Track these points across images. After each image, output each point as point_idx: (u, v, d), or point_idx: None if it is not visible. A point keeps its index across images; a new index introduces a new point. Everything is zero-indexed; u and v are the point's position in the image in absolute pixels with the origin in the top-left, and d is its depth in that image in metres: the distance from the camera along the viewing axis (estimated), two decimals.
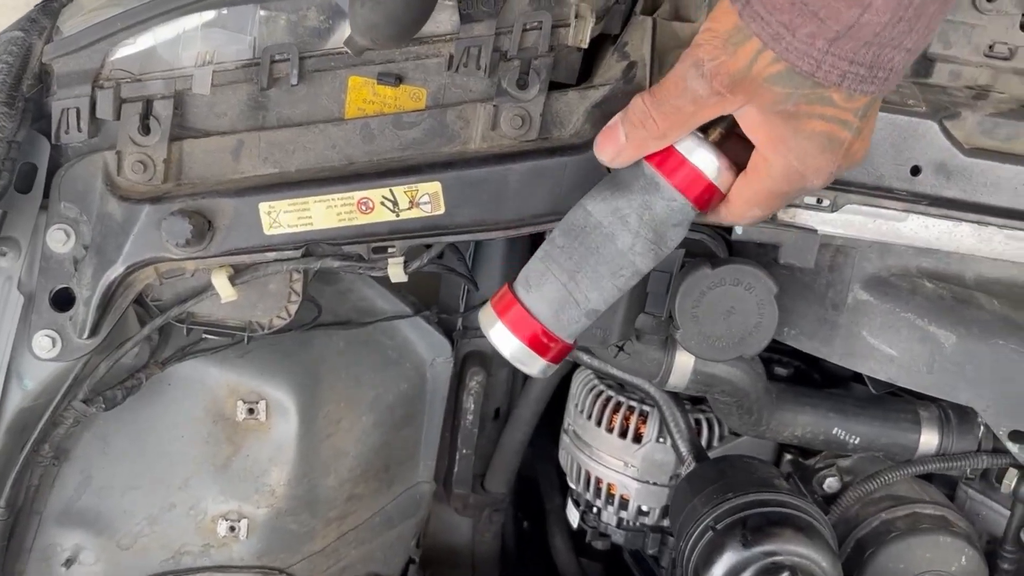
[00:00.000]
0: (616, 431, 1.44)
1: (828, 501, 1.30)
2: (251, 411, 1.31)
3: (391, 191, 1.09)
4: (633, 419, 1.44)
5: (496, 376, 1.62)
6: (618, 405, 1.44)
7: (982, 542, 1.30)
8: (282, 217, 1.10)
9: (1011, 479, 1.24)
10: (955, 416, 1.28)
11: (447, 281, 1.59)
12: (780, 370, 1.42)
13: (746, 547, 1.12)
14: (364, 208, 1.09)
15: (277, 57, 1.09)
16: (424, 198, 1.09)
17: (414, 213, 1.09)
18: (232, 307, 1.21)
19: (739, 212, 0.95)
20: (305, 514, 1.37)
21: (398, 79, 1.11)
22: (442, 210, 1.09)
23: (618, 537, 1.52)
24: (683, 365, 1.21)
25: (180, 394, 1.29)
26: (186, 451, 1.30)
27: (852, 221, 1.12)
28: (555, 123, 1.10)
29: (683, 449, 1.34)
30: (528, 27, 1.07)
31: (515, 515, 1.81)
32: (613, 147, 0.95)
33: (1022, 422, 1.10)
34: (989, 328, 1.09)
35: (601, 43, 1.15)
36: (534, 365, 0.98)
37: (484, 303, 1.03)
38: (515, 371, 1.55)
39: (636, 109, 0.92)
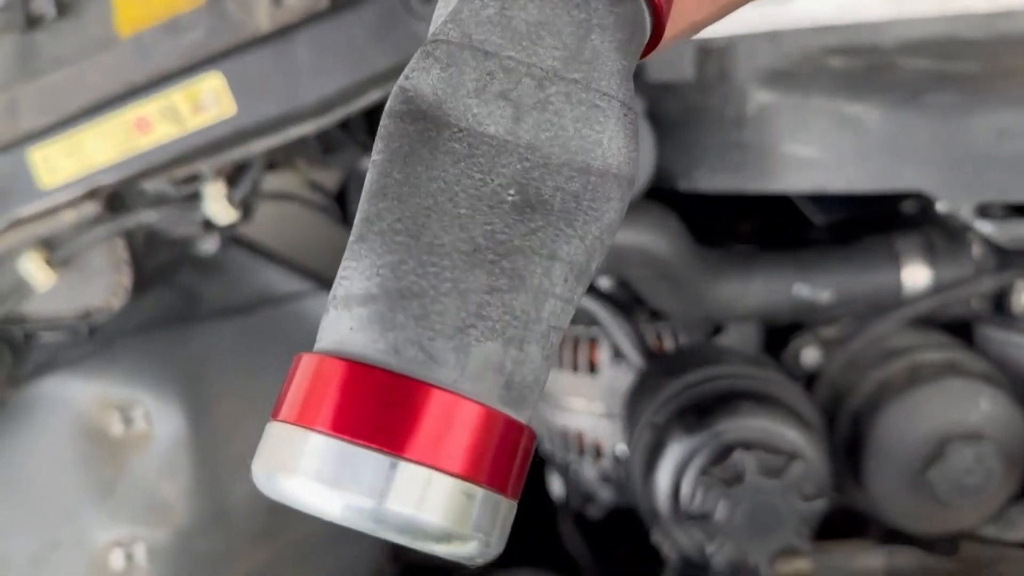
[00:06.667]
0: (567, 367, 1.22)
1: (813, 378, 1.06)
2: (128, 421, 1.14)
3: (168, 100, 0.92)
4: (582, 349, 1.22)
5: None
6: (563, 337, 1.22)
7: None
8: (60, 163, 0.94)
9: (1020, 293, 0.98)
10: (941, 239, 1.03)
11: None
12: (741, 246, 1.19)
13: (690, 434, 0.89)
14: (143, 128, 0.93)
15: None
16: (208, 98, 0.92)
17: (202, 120, 0.92)
18: (62, 296, 1.05)
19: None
20: (218, 531, 1.17)
21: None
22: (234, 110, 0.92)
23: (605, 493, 1.28)
24: None
25: (46, 417, 1.13)
26: (63, 479, 1.13)
27: (730, 16, 0.91)
28: None
29: (630, 354, 1.11)
30: None
31: None
32: None
33: (984, 190, 0.86)
34: (916, 87, 0.86)
35: None
36: (486, 521, 0.39)
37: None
38: None
39: None
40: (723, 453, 0.86)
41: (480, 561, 0.38)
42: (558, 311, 0.40)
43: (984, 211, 0.86)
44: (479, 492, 0.37)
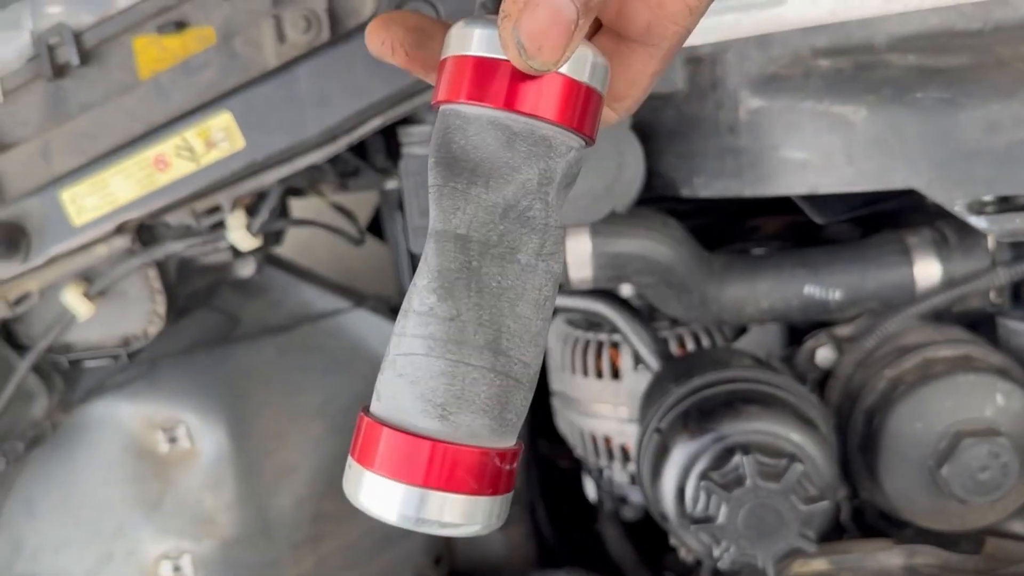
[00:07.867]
0: (592, 373, 1.24)
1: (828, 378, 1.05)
2: (172, 439, 1.20)
3: (183, 138, 0.97)
4: (605, 354, 1.24)
5: None
6: (587, 344, 1.25)
7: None
8: (86, 202, 1.01)
9: None
10: (954, 233, 1.02)
11: (398, 265, 1.45)
12: (757, 250, 1.19)
13: (693, 438, 0.90)
14: (161, 166, 0.98)
15: (52, 42, 1.02)
16: (218, 135, 0.97)
17: (214, 155, 0.97)
18: (102, 325, 1.12)
19: (642, 88, 0.56)
20: (262, 541, 1.23)
21: (179, 25, 1.01)
22: (243, 144, 0.97)
23: (636, 496, 1.30)
24: (579, 251, 1.01)
25: (96, 438, 1.20)
26: (114, 496, 1.19)
27: (720, 22, 0.92)
28: (349, 15, 0.97)
29: (648, 360, 1.12)
30: None
31: (546, 507, 1.59)
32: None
33: (975, 185, 0.84)
34: (904, 84, 0.85)
35: None
36: (486, 515, 0.54)
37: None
38: None
39: None
40: (724, 457, 0.87)
41: (484, 532, 0.53)
42: (486, 378, 0.52)
43: (975, 206, 0.84)
44: (457, 498, 0.51)
